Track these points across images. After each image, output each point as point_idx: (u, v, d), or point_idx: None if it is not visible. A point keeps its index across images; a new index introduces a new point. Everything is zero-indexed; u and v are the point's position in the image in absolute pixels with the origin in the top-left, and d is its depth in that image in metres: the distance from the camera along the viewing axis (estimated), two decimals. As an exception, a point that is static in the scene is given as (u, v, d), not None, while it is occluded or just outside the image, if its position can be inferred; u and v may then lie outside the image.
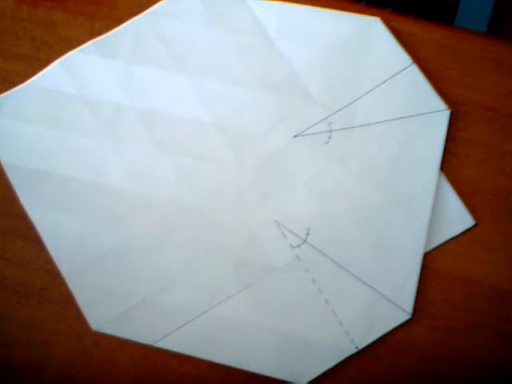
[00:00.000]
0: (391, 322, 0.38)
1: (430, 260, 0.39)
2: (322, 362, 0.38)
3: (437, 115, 0.41)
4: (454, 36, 0.42)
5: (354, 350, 0.38)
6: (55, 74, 0.41)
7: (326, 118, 0.38)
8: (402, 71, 0.40)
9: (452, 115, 0.41)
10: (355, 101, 0.40)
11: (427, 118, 0.41)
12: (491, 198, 0.40)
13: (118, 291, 0.38)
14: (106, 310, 0.38)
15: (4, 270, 0.39)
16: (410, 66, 0.40)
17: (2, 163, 0.40)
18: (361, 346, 0.38)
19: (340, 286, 0.39)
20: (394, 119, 0.40)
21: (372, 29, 0.41)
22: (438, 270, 0.39)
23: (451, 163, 0.41)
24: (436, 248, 0.40)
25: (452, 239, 0.40)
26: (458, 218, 0.40)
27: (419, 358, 0.39)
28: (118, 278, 0.39)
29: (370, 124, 0.38)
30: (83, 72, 0.41)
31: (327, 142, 0.40)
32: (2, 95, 0.40)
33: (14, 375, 0.38)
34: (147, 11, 0.42)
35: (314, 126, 0.40)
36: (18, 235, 0.39)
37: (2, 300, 0.39)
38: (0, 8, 0.43)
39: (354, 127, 0.40)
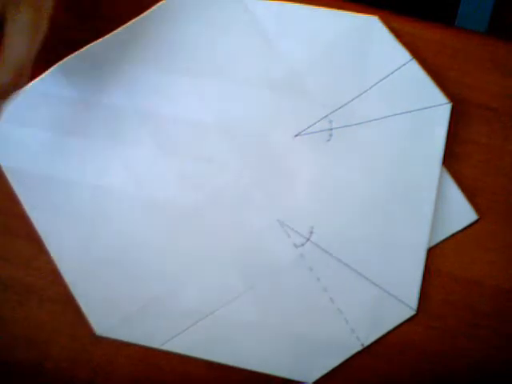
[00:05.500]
0: (396, 319, 0.38)
1: (430, 260, 0.39)
2: (329, 360, 0.38)
3: (438, 109, 0.41)
4: (454, 36, 0.42)
5: (359, 348, 0.38)
6: (55, 78, 0.41)
7: (326, 116, 0.38)
8: (401, 67, 0.40)
9: (452, 115, 0.41)
10: (355, 98, 0.40)
11: (429, 112, 0.41)
12: (491, 198, 0.41)
13: (122, 295, 0.38)
14: (110, 315, 0.38)
15: (4, 270, 0.39)
16: (409, 61, 0.40)
17: (3, 167, 0.40)
18: (366, 343, 0.38)
19: (344, 284, 0.39)
20: (395, 114, 0.39)
21: (370, 27, 0.41)
22: (438, 270, 0.39)
23: (451, 163, 0.41)
24: (436, 247, 0.40)
25: (452, 238, 0.40)
26: (460, 213, 0.40)
27: (419, 358, 0.39)
28: (122, 282, 0.38)
29: (370, 120, 0.38)
30: (83, 75, 0.41)
31: (328, 140, 0.40)
32: None
33: (14, 375, 0.38)
34: (147, 12, 0.42)
35: (314, 124, 0.40)
36: (18, 235, 0.39)
37: (2, 300, 0.39)
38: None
39: (354, 124, 0.40)
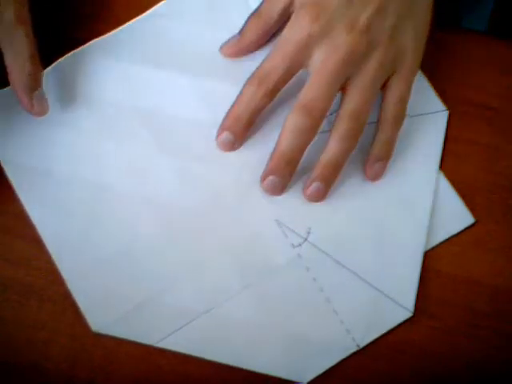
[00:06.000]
0: (392, 320, 0.38)
1: (430, 260, 0.39)
2: (324, 361, 0.38)
3: (435, 116, 0.41)
4: (454, 36, 0.42)
5: (355, 349, 0.38)
6: (55, 75, 0.41)
7: (326, 117, 0.38)
8: None
9: (452, 115, 0.41)
10: None
11: (426, 118, 0.41)
12: (491, 198, 0.41)
13: (118, 292, 0.38)
14: (107, 312, 0.38)
15: (4, 270, 0.39)
16: None
17: (2, 163, 0.40)
18: (362, 345, 0.38)
19: (341, 285, 0.39)
20: None
21: None
22: (438, 270, 0.39)
23: (451, 163, 0.41)
24: (436, 248, 0.40)
25: (452, 239, 0.40)
26: (457, 216, 0.40)
27: (419, 358, 0.39)
28: (119, 279, 0.38)
29: (369, 123, 0.38)
30: (83, 73, 0.41)
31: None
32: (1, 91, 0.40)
33: (13, 375, 0.38)
34: (147, 12, 0.42)
35: None
36: (18, 235, 0.39)
37: (2, 300, 0.39)
38: None
39: None
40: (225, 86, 0.40)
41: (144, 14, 0.42)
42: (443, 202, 0.40)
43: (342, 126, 0.37)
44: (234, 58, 0.41)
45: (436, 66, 0.41)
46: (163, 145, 0.40)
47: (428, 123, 0.41)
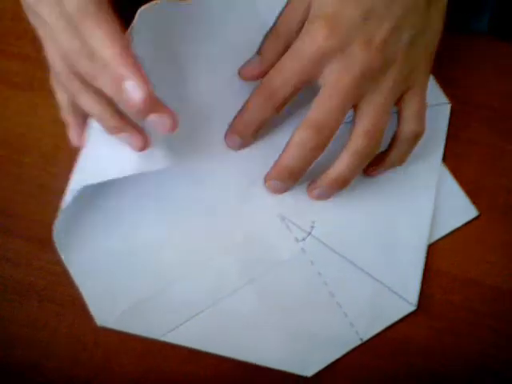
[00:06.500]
0: (396, 314, 0.38)
1: (430, 259, 0.39)
2: (327, 354, 0.38)
3: (438, 108, 0.41)
4: (454, 36, 0.42)
5: (358, 342, 0.38)
6: None
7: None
8: None
9: (453, 115, 0.41)
10: None
11: (428, 111, 0.41)
12: (491, 198, 0.41)
13: (124, 287, 0.38)
14: (112, 306, 0.38)
15: (4, 270, 0.39)
16: None
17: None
18: (365, 338, 0.38)
19: (345, 279, 0.39)
20: (395, 112, 0.39)
21: None
22: (439, 270, 0.39)
23: (451, 163, 0.41)
24: (437, 247, 0.40)
25: (453, 238, 0.40)
26: (461, 209, 0.40)
27: (418, 357, 0.39)
28: (124, 273, 0.38)
29: None
30: None
31: None
32: None
33: (13, 375, 0.38)
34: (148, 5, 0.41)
35: None
36: (17, 235, 0.39)
37: (2, 300, 0.39)
38: (0, 8, 0.43)
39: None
40: (227, 82, 0.40)
41: (144, 7, 0.41)
42: (446, 195, 0.40)
43: (357, 143, 0.36)
44: (255, 80, 0.38)
45: (436, 66, 0.41)
46: (164, 141, 0.40)
47: (431, 116, 0.41)
